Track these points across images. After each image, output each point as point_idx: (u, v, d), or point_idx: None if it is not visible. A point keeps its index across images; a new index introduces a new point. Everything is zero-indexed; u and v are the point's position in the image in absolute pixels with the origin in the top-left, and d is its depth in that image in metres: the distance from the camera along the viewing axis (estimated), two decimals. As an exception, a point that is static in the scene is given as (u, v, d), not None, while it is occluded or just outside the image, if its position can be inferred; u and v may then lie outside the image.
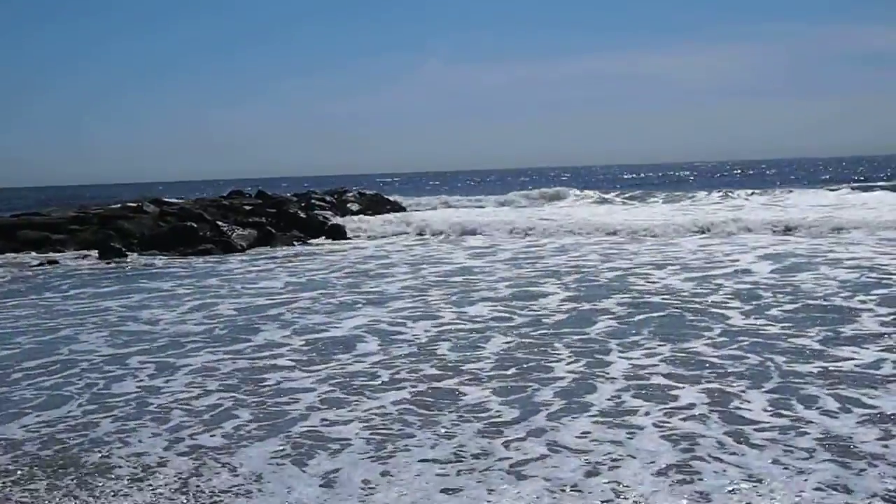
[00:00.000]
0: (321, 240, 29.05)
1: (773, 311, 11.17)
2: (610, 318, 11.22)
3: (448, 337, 10.47)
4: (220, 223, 28.78)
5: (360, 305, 13.12)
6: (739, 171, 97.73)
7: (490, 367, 8.93)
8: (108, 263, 23.51)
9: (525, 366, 8.94)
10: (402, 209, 37.11)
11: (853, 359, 8.60)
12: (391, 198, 46.31)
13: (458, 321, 11.48)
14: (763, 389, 7.71)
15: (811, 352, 9.00)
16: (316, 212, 32.84)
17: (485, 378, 8.52)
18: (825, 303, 11.59)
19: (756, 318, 10.81)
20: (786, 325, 10.33)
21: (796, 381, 7.91)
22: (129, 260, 24.15)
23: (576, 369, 8.72)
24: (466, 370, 8.82)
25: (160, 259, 23.85)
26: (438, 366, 9.08)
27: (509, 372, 8.74)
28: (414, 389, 8.21)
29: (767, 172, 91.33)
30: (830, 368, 8.29)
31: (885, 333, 9.51)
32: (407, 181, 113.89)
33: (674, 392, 7.73)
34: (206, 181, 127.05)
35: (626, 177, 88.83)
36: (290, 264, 20.56)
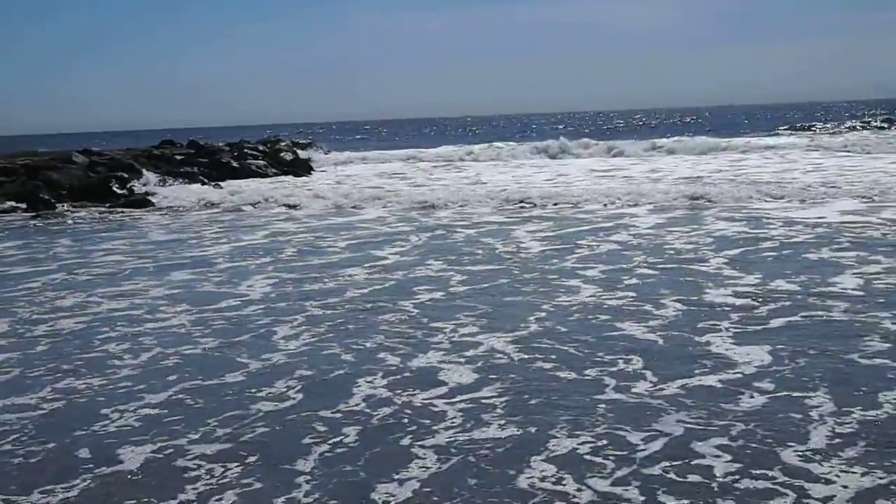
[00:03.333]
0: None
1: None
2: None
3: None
4: (150, 173, 28.24)
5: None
6: (675, 120, 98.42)
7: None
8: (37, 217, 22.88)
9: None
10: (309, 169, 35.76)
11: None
12: (323, 147, 46.68)
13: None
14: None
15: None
16: (248, 161, 32.33)
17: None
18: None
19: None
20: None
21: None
22: (57, 211, 23.52)
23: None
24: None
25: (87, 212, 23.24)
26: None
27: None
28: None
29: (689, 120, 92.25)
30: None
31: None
32: (354, 130, 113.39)
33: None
34: (168, 129, 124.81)
35: (559, 128, 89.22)
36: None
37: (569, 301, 10.16)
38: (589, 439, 5.89)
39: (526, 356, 7.99)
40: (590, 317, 9.42)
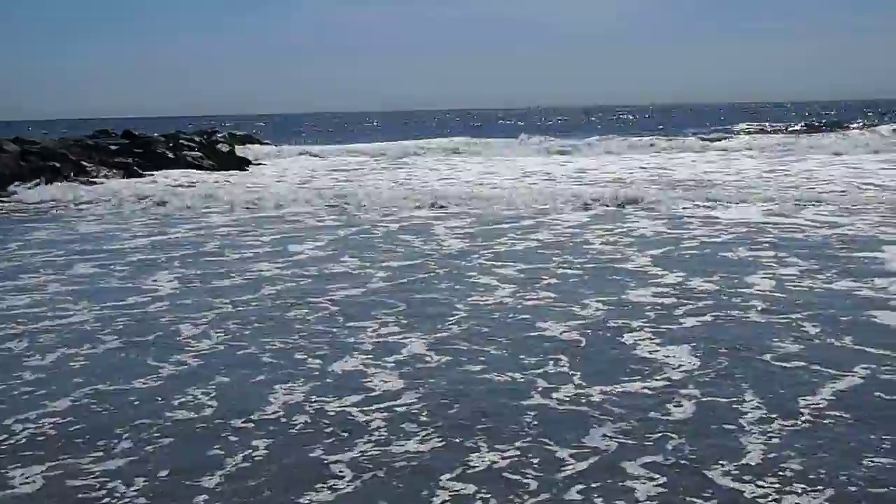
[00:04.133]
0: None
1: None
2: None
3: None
4: (84, 163, 27.33)
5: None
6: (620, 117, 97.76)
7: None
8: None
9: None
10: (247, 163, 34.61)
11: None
12: (265, 141, 45.96)
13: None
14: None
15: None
16: (184, 152, 31.51)
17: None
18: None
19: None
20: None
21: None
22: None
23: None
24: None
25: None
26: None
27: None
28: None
29: (630, 118, 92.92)
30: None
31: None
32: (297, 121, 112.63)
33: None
34: (127, 118, 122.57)
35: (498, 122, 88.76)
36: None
37: (487, 300, 9.70)
38: (512, 454, 5.47)
39: (449, 358, 7.51)
40: (510, 316, 8.97)
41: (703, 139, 44.33)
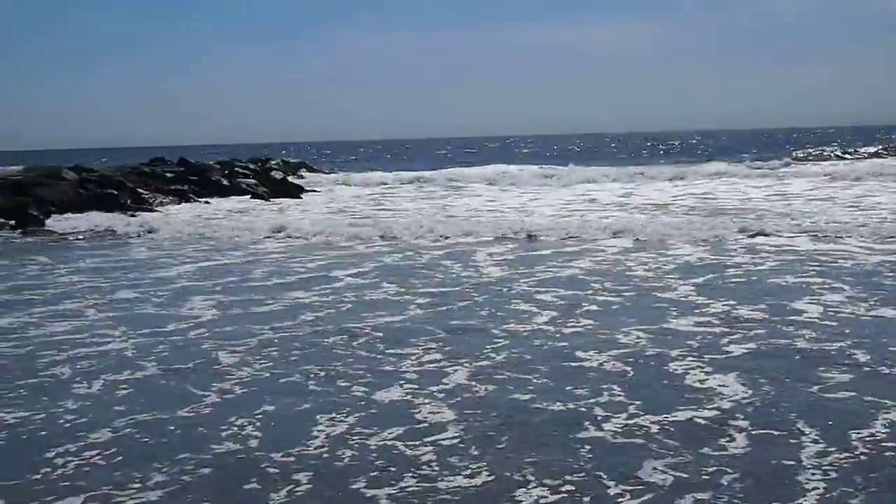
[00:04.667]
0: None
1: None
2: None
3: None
4: (140, 190, 27.40)
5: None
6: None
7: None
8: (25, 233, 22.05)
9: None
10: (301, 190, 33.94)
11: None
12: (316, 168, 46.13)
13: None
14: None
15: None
16: (239, 179, 31.48)
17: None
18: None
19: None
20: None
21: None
22: (45, 228, 22.74)
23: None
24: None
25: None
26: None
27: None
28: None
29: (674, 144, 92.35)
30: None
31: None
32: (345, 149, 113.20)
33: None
34: (170, 147, 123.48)
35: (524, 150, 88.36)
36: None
37: (528, 327, 9.46)
38: (564, 489, 5.21)
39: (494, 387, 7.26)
40: (552, 344, 8.74)
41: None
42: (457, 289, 11.97)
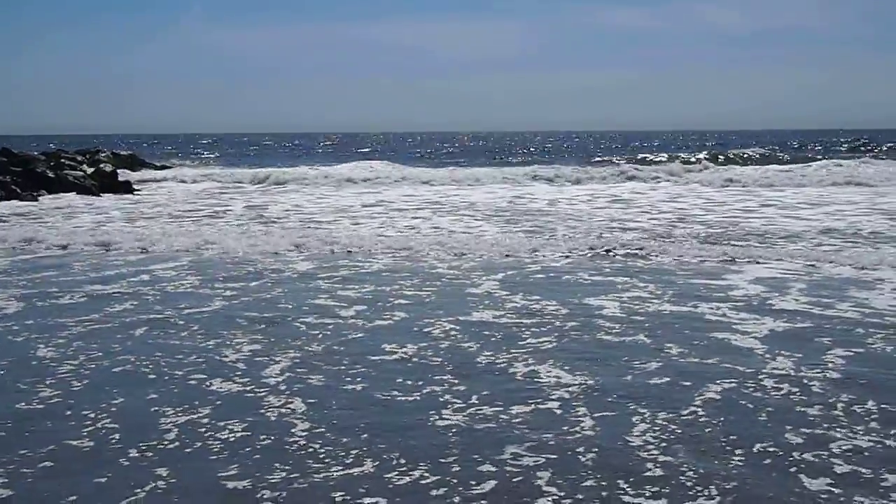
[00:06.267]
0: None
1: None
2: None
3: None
4: None
5: None
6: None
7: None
8: None
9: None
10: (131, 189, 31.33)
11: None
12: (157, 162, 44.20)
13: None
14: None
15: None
16: (66, 172, 29.80)
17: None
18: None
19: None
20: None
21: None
22: None
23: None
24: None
25: None
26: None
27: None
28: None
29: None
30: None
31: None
32: (181, 141, 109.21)
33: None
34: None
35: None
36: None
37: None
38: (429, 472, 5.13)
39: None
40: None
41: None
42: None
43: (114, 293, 10.96)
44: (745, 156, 48.84)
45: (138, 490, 4.99)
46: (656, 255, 13.78)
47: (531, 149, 78.21)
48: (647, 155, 53.55)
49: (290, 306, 10.12)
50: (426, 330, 8.88)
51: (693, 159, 44.94)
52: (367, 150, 77.35)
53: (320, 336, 8.66)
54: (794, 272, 12.17)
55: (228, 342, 8.41)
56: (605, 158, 53.11)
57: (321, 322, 9.26)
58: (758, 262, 12.97)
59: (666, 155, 51.18)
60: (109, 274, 12.52)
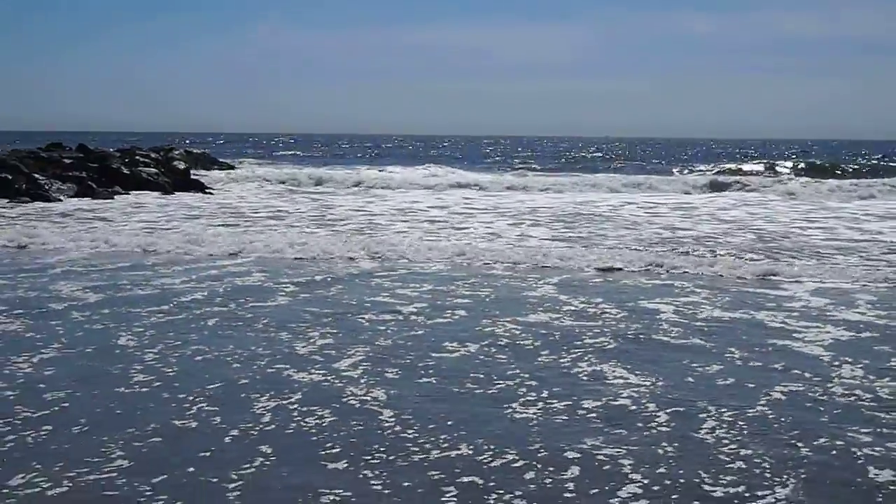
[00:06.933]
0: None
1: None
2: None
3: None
4: (37, 176, 26.21)
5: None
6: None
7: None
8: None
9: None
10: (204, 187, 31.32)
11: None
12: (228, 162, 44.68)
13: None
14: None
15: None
16: (140, 168, 30.28)
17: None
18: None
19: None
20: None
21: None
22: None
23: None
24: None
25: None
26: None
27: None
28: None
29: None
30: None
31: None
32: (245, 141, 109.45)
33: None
34: (82, 133, 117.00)
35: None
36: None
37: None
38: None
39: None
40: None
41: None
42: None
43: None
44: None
45: (245, 465, 5.40)
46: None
47: (612, 155, 77.28)
48: (733, 164, 52.53)
49: (354, 302, 10.58)
50: (487, 329, 9.28)
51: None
52: (435, 152, 76.94)
53: (387, 332, 9.09)
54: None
55: (301, 336, 8.86)
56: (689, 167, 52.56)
57: (383, 318, 9.70)
58: None
59: (760, 164, 50.96)
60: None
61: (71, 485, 5.07)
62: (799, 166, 48.18)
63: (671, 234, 18.56)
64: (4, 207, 22.80)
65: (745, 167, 49.94)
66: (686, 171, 47.88)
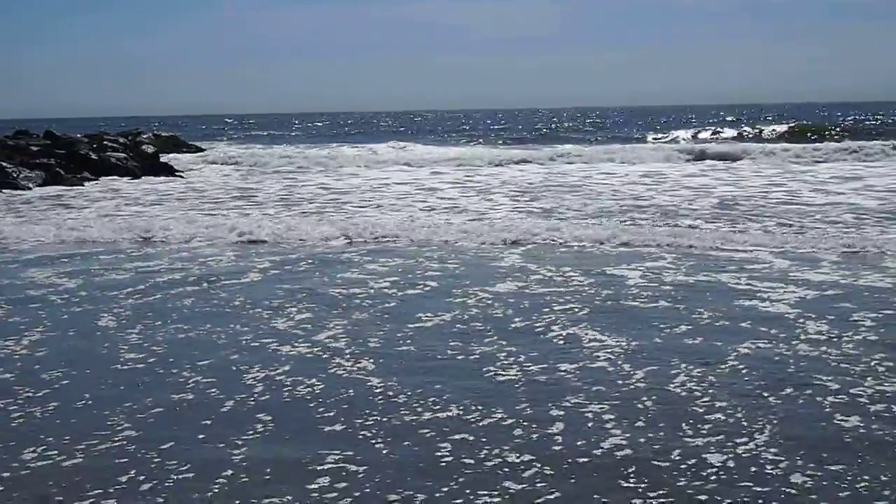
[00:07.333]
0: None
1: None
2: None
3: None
4: (3, 164, 25.92)
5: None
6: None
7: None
8: None
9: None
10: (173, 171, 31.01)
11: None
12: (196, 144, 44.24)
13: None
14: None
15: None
16: (108, 154, 30.03)
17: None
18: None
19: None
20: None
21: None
22: None
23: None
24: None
25: None
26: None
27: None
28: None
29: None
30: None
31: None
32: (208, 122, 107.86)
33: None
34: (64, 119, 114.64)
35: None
36: None
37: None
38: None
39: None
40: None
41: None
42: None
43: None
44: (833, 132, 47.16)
45: (248, 431, 5.69)
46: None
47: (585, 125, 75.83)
48: (708, 130, 51.90)
49: (326, 279, 10.83)
50: (458, 300, 9.57)
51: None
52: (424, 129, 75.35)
53: (362, 305, 9.36)
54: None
55: (280, 311, 9.11)
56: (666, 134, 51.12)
57: (355, 293, 9.97)
58: None
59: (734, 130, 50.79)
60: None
61: (83, 456, 5.31)
62: (779, 129, 47.92)
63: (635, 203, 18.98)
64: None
65: (725, 132, 50.07)
66: (663, 138, 47.78)
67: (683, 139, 47.69)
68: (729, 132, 50.35)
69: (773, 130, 47.83)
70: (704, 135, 50.05)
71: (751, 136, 46.56)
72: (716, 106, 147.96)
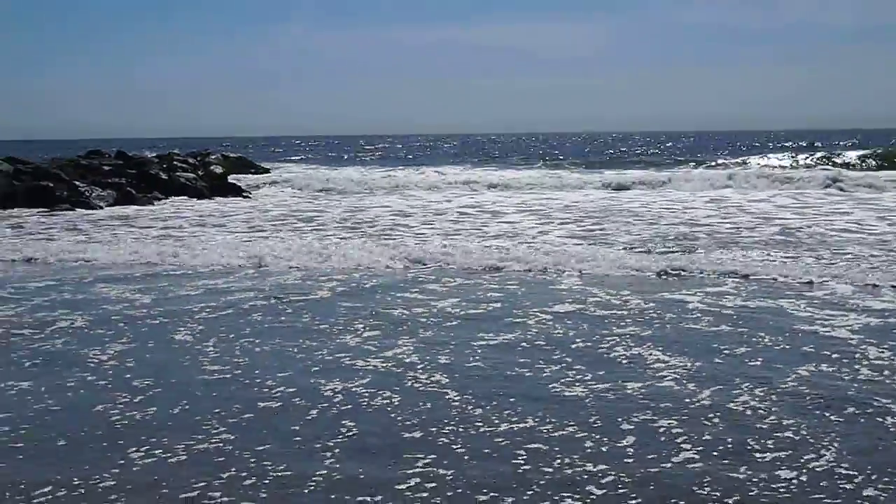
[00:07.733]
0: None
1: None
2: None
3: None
4: (77, 183, 26.63)
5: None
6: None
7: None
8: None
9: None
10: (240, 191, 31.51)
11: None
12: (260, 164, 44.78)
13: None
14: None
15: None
16: (178, 173, 30.65)
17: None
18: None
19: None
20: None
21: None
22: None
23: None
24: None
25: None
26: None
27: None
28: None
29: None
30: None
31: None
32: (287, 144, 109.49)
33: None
34: (106, 139, 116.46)
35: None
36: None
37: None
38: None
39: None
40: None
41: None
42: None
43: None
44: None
45: (337, 435, 6.07)
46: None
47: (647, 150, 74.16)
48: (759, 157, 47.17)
49: (388, 299, 11.19)
50: (519, 320, 9.88)
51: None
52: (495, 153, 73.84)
53: (427, 324, 9.70)
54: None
55: (348, 329, 9.47)
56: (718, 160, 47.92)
57: (418, 312, 10.31)
58: None
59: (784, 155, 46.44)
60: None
61: (185, 454, 5.74)
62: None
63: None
64: (45, 215, 23.45)
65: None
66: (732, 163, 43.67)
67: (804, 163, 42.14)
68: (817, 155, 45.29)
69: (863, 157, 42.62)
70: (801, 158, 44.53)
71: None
72: (766, 131, 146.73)
